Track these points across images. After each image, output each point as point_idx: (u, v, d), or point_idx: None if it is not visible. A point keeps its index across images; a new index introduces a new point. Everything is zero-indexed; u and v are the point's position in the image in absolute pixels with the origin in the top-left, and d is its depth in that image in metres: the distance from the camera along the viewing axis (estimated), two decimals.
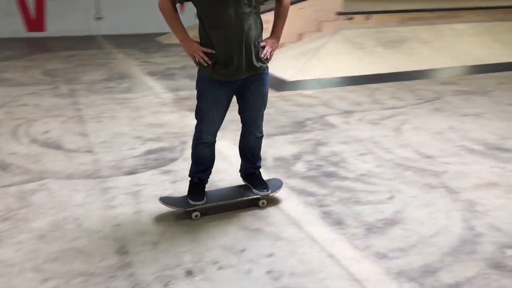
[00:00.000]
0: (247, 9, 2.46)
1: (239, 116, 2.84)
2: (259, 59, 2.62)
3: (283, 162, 3.73)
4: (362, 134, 4.43)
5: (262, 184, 2.97)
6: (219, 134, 2.85)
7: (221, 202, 2.91)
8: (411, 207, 2.98)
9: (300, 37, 8.23)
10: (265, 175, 3.19)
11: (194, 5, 2.51)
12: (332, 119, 4.91)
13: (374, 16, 8.35)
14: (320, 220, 2.83)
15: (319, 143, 4.17)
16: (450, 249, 2.50)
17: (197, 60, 2.59)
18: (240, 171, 3.09)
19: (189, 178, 2.90)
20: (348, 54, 7.37)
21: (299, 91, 6.11)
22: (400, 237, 2.63)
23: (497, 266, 2.36)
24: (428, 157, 3.84)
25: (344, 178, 3.44)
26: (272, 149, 4.00)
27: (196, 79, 2.69)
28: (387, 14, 8.53)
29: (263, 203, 2.97)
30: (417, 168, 3.61)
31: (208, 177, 2.93)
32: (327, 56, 7.11)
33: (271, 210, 2.95)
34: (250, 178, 3.02)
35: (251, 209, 2.96)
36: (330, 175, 3.50)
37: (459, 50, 7.91)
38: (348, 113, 5.15)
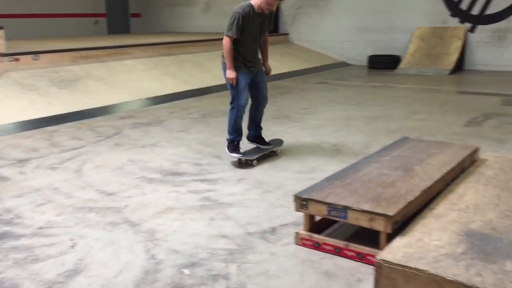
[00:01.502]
0: (257, 43, 4.56)
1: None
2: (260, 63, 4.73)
3: None
4: (40, 182, 4.13)
5: (267, 142, 4.91)
6: None
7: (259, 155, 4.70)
8: (95, 250, 2.91)
9: None
10: None
11: (237, 41, 4.37)
12: (3, 172, 4.41)
13: (43, 56, 7.99)
14: None
15: None
16: (134, 285, 2.53)
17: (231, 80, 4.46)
18: (249, 137, 4.88)
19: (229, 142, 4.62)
20: (18, 98, 6.83)
21: None
22: (85, 287, 2.51)
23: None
24: (110, 194, 3.85)
25: (20, 236, 3.10)
26: None
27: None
28: (57, 53, 8.29)
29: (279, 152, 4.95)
30: (100, 208, 3.56)
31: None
32: None
33: None
34: (259, 139, 4.88)
35: None
36: (3, 236, 3.11)
37: (133, 84, 8.33)
38: (23, 161, 4.73)
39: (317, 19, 13.74)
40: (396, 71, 11.48)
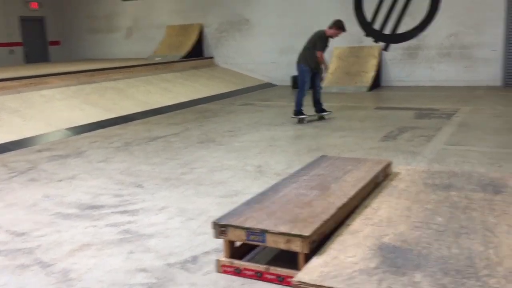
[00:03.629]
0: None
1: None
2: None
3: None
4: None
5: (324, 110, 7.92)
6: None
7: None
8: None
9: None
10: None
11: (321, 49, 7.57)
12: None
13: None
14: None
15: None
16: None
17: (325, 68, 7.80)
18: (315, 111, 7.87)
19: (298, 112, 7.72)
20: None
21: None
22: None
23: None
24: (21, 234, 3.62)
25: None
26: None
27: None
28: None
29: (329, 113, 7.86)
30: (9, 250, 3.34)
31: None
32: None
33: None
34: (321, 110, 7.87)
35: None
36: None
37: (51, 115, 7.99)
38: None
39: (241, 42, 13.96)
40: None
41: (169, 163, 5.51)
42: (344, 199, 3.20)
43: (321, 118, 7.89)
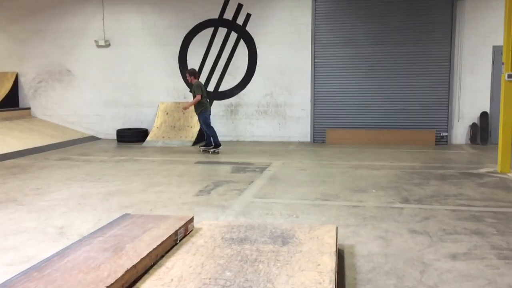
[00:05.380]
0: None
1: None
2: None
3: None
4: None
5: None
6: None
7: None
8: None
9: None
10: None
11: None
12: None
13: None
14: None
15: None
16: None
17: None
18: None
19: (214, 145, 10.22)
20: None
21: None
22: None
23: None
24: None
25: None
26: None
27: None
28: None
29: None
30: None
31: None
32: None
33: None
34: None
35: None
36: None
37: None
38: None
39: (62, 93, 13.27)
40: (144, 144, 11.74)
41: None
42: (135, 260, 3.11)
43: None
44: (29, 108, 13.47)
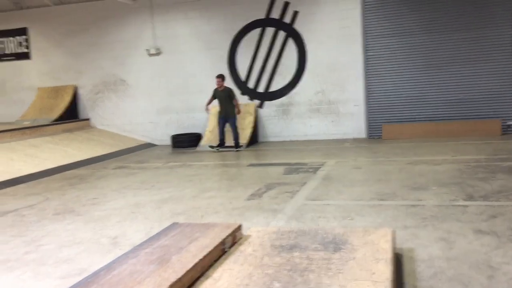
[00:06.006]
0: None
1: None
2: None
3: None
4: None
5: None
6: None
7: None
8: None
9: None
10: None
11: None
12: None
13: None
14: None
15: None
16: None
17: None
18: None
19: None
20: None
21: None
22: None
23: None
24: None
25: None
26: None
27: None
28: None
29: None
30: None
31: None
32: None
33: None
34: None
35: None
36: None
37: None
38: None
39: (117, 102, 13.64)
40: (197, 148, 11.83)
41: (13, 241, 4.97)
42: (180, 273, 3.03)
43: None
44: (88, 119, 13.95)
